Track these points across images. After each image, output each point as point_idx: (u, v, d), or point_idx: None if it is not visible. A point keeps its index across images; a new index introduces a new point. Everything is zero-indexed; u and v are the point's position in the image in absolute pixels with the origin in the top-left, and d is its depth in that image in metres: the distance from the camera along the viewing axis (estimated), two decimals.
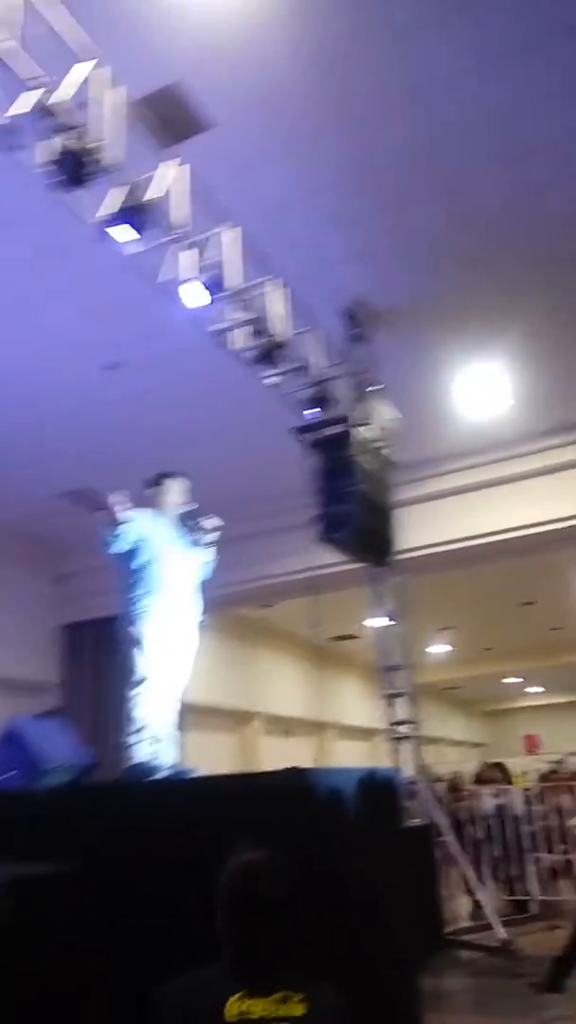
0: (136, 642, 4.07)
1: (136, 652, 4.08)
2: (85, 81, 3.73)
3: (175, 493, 4.42)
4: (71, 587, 10.85)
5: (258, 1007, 1.68)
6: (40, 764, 4.03)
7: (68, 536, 10.29)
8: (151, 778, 3.83)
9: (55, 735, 4.50)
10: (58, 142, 3.60)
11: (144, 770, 3.88)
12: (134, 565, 4.13)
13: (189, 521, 4.42)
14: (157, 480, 4.48)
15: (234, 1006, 1.68)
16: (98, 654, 10.65)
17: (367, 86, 4.40)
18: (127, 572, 4.16)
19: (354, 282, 6.00)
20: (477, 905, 7.28)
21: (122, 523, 4.02)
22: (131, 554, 4.13)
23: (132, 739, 3.95)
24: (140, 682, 4.02)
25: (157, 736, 4.04)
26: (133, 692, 4.03)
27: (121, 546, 4.06)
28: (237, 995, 1.69)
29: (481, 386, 7.45)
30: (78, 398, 7.21)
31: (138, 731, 3.96)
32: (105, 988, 2.05)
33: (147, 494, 4.44)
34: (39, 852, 2.60)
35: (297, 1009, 1.71)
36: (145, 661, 4.04)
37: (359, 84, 4.39)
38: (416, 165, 4.91)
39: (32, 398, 7.16)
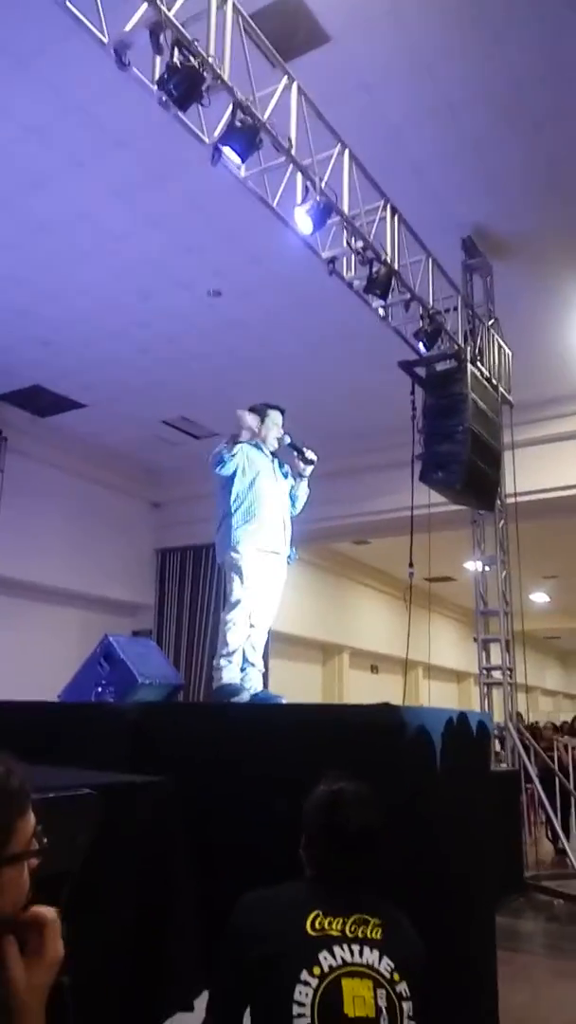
0: (232, 567, 4.10)
1: (232, 576, 4.10)
2: None
3: (276, 425, 4.37)
4: (166, 513, 11.20)
5: (336, 925, 1.74)
6: (133, 681, 4.18)
7: (166, 463, 10.56)
8: (236, 700, 3.92)
9: (147, 654, 4.66)
10: (172, 57, 3.50)
11: (230, 691, 3.97)
12: (232, 491, 4.14)
13: (289, 452, 4.38)
14: (259, 409, 4.42)
15: (314, 922, 1.73)
16: (187, 579, 11.06)
17: (500, 1, 4.06)
18: (225, 498, 4.17)
19: (475, 209, 5.69)
20: (561, 853, 7.26)
21: (238, 443, 4.02)
22: (231, 480, 4.14)
23: (222, 661, 4.04)
24: (234, 606, 4.07)
25: (247, 660, 4.13)
26: (227, 616, 4.08)
27: (228, 468, 4.07)
28: (316, 912, 1.75)
29: None
30: (179, 325, 7.23)
31: (228, 654, 4.04)
32: (190, 896, 2.15)
33: (247, 423, 4.39)
34: (132, 764, 2.73)
35: (375, 932, 1.75)
36: (240, 586, 4.08)
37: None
38: (552, 83, 4.53)
39: (134, 325, 7.24)
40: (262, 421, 4.34)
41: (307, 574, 12.10)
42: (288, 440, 4.33)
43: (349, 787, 1.92)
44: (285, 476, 4.37)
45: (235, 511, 4.10)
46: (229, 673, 4.02)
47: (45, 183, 5.37)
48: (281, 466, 4.38)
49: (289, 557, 4.28)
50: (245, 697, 3.98)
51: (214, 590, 10.80)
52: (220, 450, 4.05)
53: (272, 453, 4.33)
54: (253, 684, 4.12)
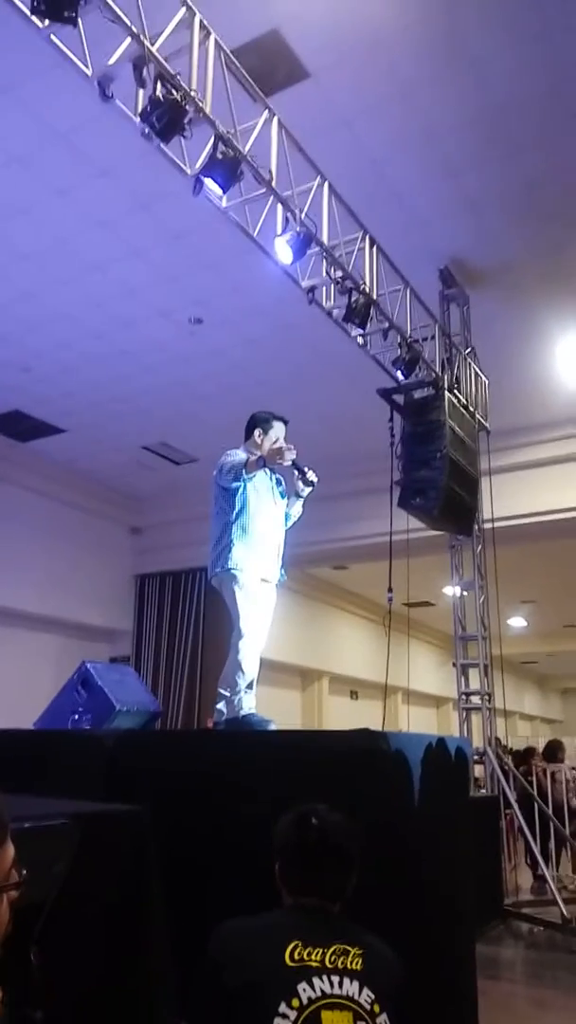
0: (236, 591, 3.92)
1: (237, 603, 3.89)
2: (183, 29, 3.67)
3: (279, 438, 4.15)
4: (145, 539, 11.17)
5: (316, 955, 1.71)
6: (111, 708, 4.13)
7: (146, 489, 10.54)
8: (259, 728, 3.79)
9: (125, 680, 4.61)
10: (155, 90, 3.56)
11: (259, 721, 3.82)
12: (233, 510, 3.95)
13: (289, 471, 4.15)
14: (262, 419, 4.18)
15: (293, 952, 1.71)
16: (166, 605, 11.00)
17: (478, 28, 4.16)
18: (224, 517, 3.97)
19: (452, 240, 5.80)
20: (541, 879, 7.22)
21: (259, 468, 3.87)
22: (233, 497, 3.95)
23: (243, 692, 3.86)
24: (244, 635, 3.89)
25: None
26: (240, 645, 3.89)
27: (239, 486, 3.91)
28: (295, 942, 1.73)
29: None
30: (160, 353, 7.27)
31: (249, 685, 3.88)
32: (165, 927, 2.12)
33: (255, 434, 4.17)
34: (109, 792, 2.70)
35: (355, 962, 1.73)
36: (248, 614, 3.91)
37: (469, 27, 4.15)
38: (529, 113, 4.65)
39: (115, 352, 7.27)
40: (265, 433, 4.16)
41: (286, 599, 11.97)
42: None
43: (319, 807, 1.92)
44: (282, 495, 4.22)
45: (235, 531, 3.93)
46: (249, 702, 3.86)
47: (27, 210, 5.41)
48: (279, 483, 4.23)
49: (279, 580, 4.16)
50: (272, 727, 3.85)
51: (193, 616, 10.75)
52: (240, 464, 3.85)
53: (271, 469, 4.13)
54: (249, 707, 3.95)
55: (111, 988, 1.90)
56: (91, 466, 9.84)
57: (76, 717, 4.16)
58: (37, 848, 1.48)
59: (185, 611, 10.81)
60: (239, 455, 3.98)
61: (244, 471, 3.87)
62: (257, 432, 4.17)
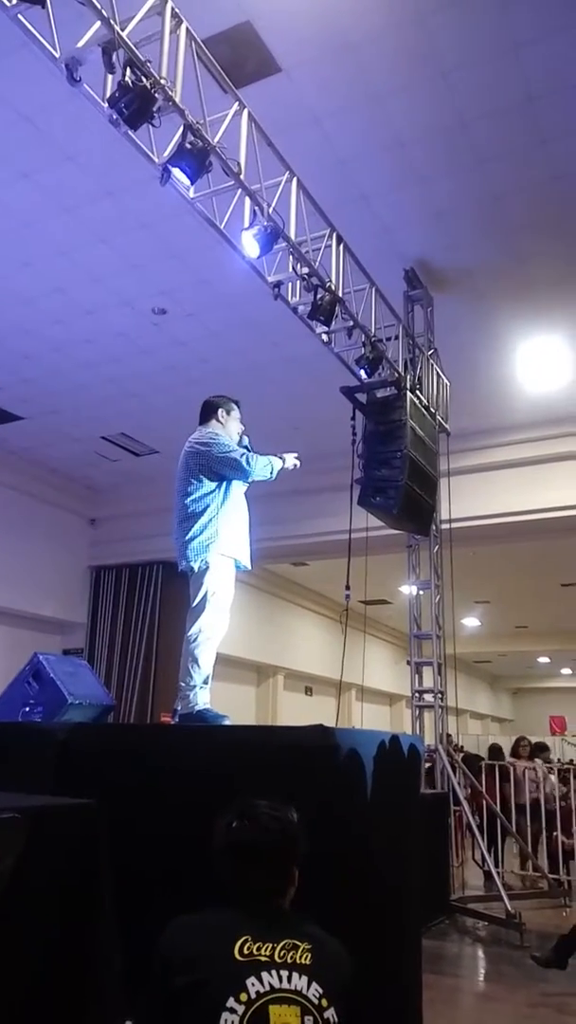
0: (208, 581, 3.81)
1: (207, 593, 3.81)
2: (155, 15, 3.63)
3: (237, 420, 4.14)
4: (102, 530, 11.07)
5: (266, 950, 1.72)
6: (63, 701, 4.07)
7: (105, 479, 10.44)
8: (213, 723, 3.71)
9: (78, 673, 4.55)
10: (124, 76, 3.51)
11: (215, 716, 3.77)
12: (223, 496, 3.88)
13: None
14: (227, 401, 4.13)
15: (243, 947, 1.71)
16: (122, 598, 10.92)
17: (453, 39, 4.19)
18: (217, 502, 3.87)
19: (418, 242, 5.84)
20: (487, 876, 7.35)
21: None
22: (225, 482, 3.89)
23: (200, 687, 3.80)
24: (207, 627, 3.83)
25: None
26: (202, 637, 3.83)
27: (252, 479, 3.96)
28: (244, 937, 1.73)
29: (543, 359, 7.23)
30: (122, 342, 7.19)
31: (206, 680, 3.82)
32: (114, 923, 2.10)
33: (218, 414, 4.10)
34: (59, 785, 2.67)
35: (304, 957, 1.74)
36: (215, 606, 3.84)
37: (444, 37, 4.18)
38: (498, 124, 4.70)
39: (76, 340, 7.17)
40: (228, 413, 4.14)
41: (243, 594, 11.98)
42: (246, 441, 4.11)
43: (260, 803, 1.92)
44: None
45: (223, 515, 3.87)
46: (204, 697, 3.80)
47: None
48: None
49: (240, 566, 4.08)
50: (226, 722, 3.77)
51: (149, 609, 10.68)
52: (272, 467, 3.98)
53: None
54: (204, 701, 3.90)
55: (58, 984, 1.88)
56: (49, 455, 9.71)
57: (27, 709, 4.09)
58: None
59: (141, 604, 10.73)
60: (225, 438, 3.98)
61: (271, 474, 3.97)
62: (221, 412, 4.13)
